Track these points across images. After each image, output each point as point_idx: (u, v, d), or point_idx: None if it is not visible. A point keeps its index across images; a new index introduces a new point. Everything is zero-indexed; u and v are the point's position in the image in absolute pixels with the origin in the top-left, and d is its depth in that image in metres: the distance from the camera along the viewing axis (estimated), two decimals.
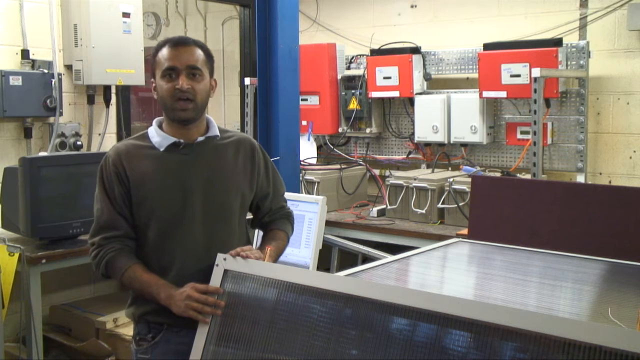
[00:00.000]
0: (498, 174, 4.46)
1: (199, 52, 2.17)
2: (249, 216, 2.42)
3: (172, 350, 2.12)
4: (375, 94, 5.04)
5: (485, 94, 4.52)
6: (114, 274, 2.15)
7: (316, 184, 4.72)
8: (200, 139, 2.21)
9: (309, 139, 5.24)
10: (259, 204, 2.36)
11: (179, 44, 2.15)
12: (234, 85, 5.91)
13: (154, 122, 2.26)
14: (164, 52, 2.15)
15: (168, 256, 2.14)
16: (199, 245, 2.16)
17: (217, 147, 2.24)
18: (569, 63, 4.38)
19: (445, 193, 4.31)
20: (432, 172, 4.72)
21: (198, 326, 1.98)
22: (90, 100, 4.12)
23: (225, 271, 1.97)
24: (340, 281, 1.80)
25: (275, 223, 2.40)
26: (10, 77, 3.69)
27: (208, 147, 2.23)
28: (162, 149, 2.18)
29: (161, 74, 2.14)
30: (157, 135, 2.20)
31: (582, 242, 2.71)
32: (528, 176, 4.20)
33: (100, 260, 2.15)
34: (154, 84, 2.20)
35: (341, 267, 4.37)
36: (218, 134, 2.26)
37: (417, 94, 4.91)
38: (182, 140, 2.18)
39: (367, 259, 4.23)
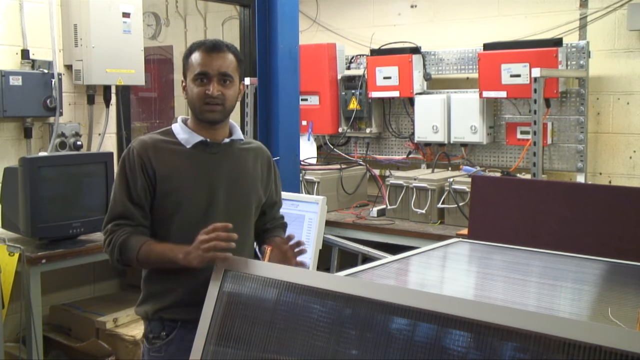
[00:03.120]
0: (498, 174, 4.46)
1: (231, 58, 2.21)
2: None
3: (187, 347, 2.05)
4: (375, 94, 5.04)
5: (485, 94, 4.52)
6: (128, 256, 2.14)
7: (316, 184, 4.72)
8: (227, 140, 2.29)
9: (309, 139, 5.24)
10: (267, 210, 2.46)
11: (214, 49, 2.19)
12: None
13: (179, 119, 2.32)
14: (197, 56, 2.19)
15: None
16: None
17: (240, 150, 2.34)
18: (569, 63, 4.38)
19: (445, 193, 4.31)
20: (432, 172, 4.72)
21: (199, 325, 1.98)
22: (90, 100, 4.12)
23: (225, 271, 1.97)
24: (340, 281, 1.80)
25: (274, 231, 2.50)
26: (10, 77, 3.69)
27: (233, 149, 2.31)
28: (188, 146, 2.23)
29: (193, 77, 2.19)
30: (183, 132, 2.25)
31: (582, 242, 2.71)
32: (528, 176, 4.20)
33: (114, 246, 2.15)
34: (184, 84, 2.25)
35: (341, 267, 4.37)
36: (242, 138, 2.34)
37: (417, 94, 4.91)
38: (208, 140, 2.25)
39: (367, 259, 4.23)
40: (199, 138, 2.24)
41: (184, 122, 2.30)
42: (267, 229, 2.49)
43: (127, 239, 2.14)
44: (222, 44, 2.23)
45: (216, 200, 2.23)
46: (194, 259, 2.01)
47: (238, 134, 2.33)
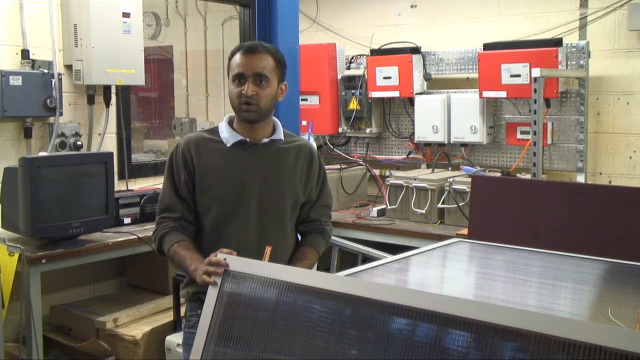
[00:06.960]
0: (498, 174, 4.47)
1: (268, 59, 2.33)
2: None
3: None
4: (375, 94, 5.04)
5: (485, 94, 4.52)
6: (163, 250, 2.37)
7: None
8: (265, 140, 2.40)
9: (309, 139, 5.24)
10: (301, 209, 2.49)
11: (250, 51, 2.32)
12: None
13: (225, 118, 2.46)
14: (236, 58, 2.33)
15: (222, 246, 2.20)
16: (251, 238, 2.35)
17: (279, 150, 2.43)
18: (569, 63, 4.38)
19: (445, 193, 4.31)
20: (432, 172, 4.72)
21: (199, 325, 1.98)
22: (90, 100, 4.12)
23: (226, 271, 1.97)
24: (340, 281, 1.79)
25: (307, 237, 2.52)
26: (10, 77, 3.69)
27: (271, 148, 2.41)
28: (228, 145, 2.37)
29: (231, 78, 2.33)
30: (226, 132, 2.40)
31: (582, 242, 2.71)
32: (528, 176, 4.20)
33: (155, 238, 2.39)
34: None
35: (341, 267, 4.37)
36: (282, 138, 2.43)
37: (417, 94, 4.91)
38: (248, 139, 2.37)
39: (367, 259, 4.22)
40: (238, 138, 2.37)
41: (230, 120, 2.43)
42: (301, 232, 2.52)
43: (165, 234, 2.35)
44: (260, 45, 2.35)
45: (248, 199, 2.35)
46: (197, 277, 2.10)
47: (278, 134, 2.42)
